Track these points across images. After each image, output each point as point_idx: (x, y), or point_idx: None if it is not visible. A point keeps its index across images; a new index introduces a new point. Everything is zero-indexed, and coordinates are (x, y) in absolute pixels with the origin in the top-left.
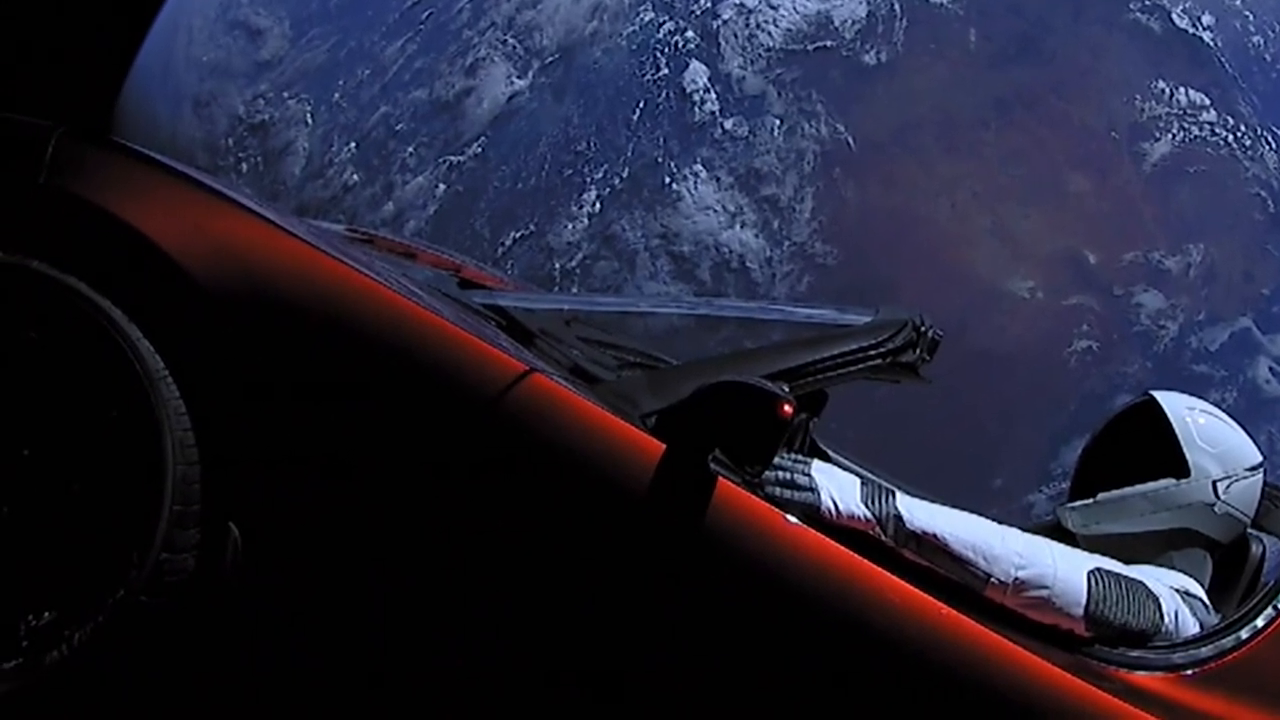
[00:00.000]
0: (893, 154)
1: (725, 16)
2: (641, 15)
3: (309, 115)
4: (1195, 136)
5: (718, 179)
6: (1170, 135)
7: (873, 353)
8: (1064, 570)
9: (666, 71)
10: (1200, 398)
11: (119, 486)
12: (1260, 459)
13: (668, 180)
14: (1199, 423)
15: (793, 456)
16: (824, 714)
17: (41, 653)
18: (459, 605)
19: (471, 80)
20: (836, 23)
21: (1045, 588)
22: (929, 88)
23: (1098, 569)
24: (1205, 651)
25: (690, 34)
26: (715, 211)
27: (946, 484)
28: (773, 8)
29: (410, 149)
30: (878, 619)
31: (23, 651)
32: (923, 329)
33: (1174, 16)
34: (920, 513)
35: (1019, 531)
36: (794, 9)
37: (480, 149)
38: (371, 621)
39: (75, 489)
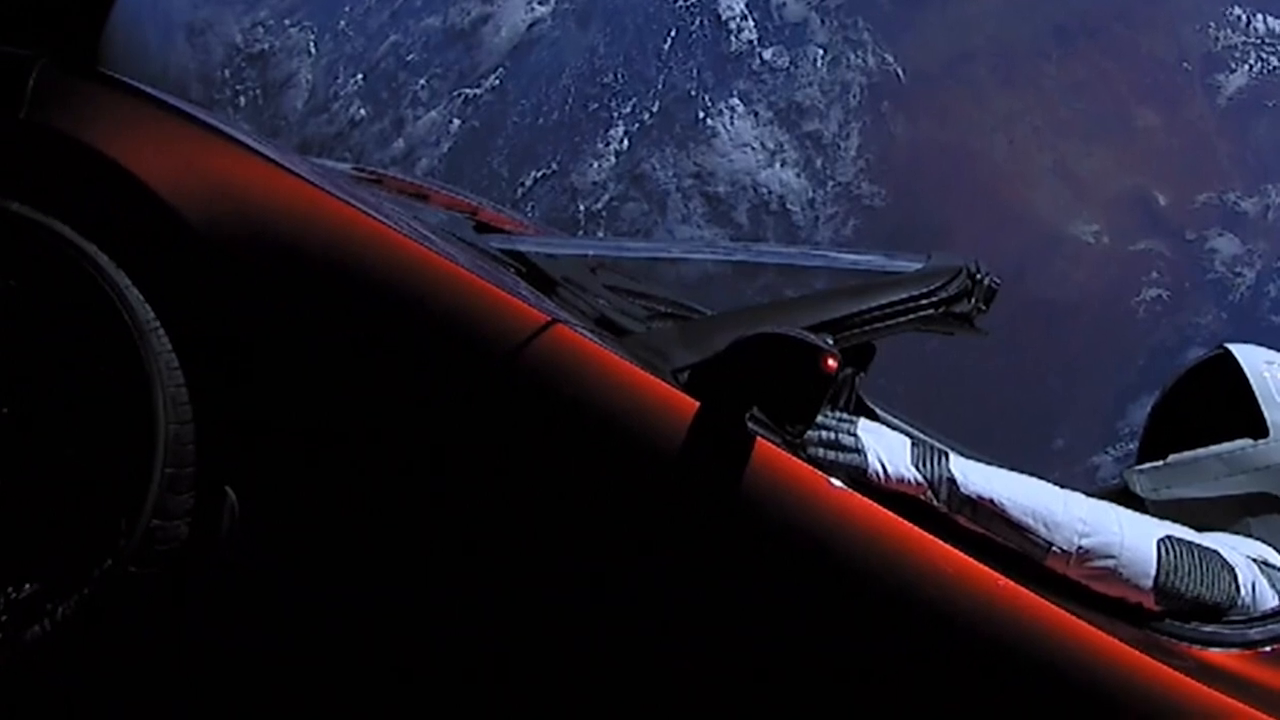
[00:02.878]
0: (945, 86)
1: None
2: None
3: (312, 44)
4: (1275, 67)
5: (756, 114)
6: (1247, 66)
7: (924, 302)
8: (1132, 539)
9: None
10: None
11: (106, 447)
12: None
13: (701, 115)
14: (1279, 378)
15: (837, 415)
16: (872, 694)
17: (22, 627)
18: (475, 575)
19: (489, 6)
20: None
21: (1111, 557)
22: (984, 14)
23: (1168, 537)
24: None
25: None
26: (753, 149)
27: (1004, 445)
28: None
29: (422, 81)
30: (929, 591)
31: (1, 626)
32: (978, 276)
33: None
34: (976, 476)
35: (1083, 496)
36: None
37: (498, 81)
38: (380, 593)
39: (59, 450)
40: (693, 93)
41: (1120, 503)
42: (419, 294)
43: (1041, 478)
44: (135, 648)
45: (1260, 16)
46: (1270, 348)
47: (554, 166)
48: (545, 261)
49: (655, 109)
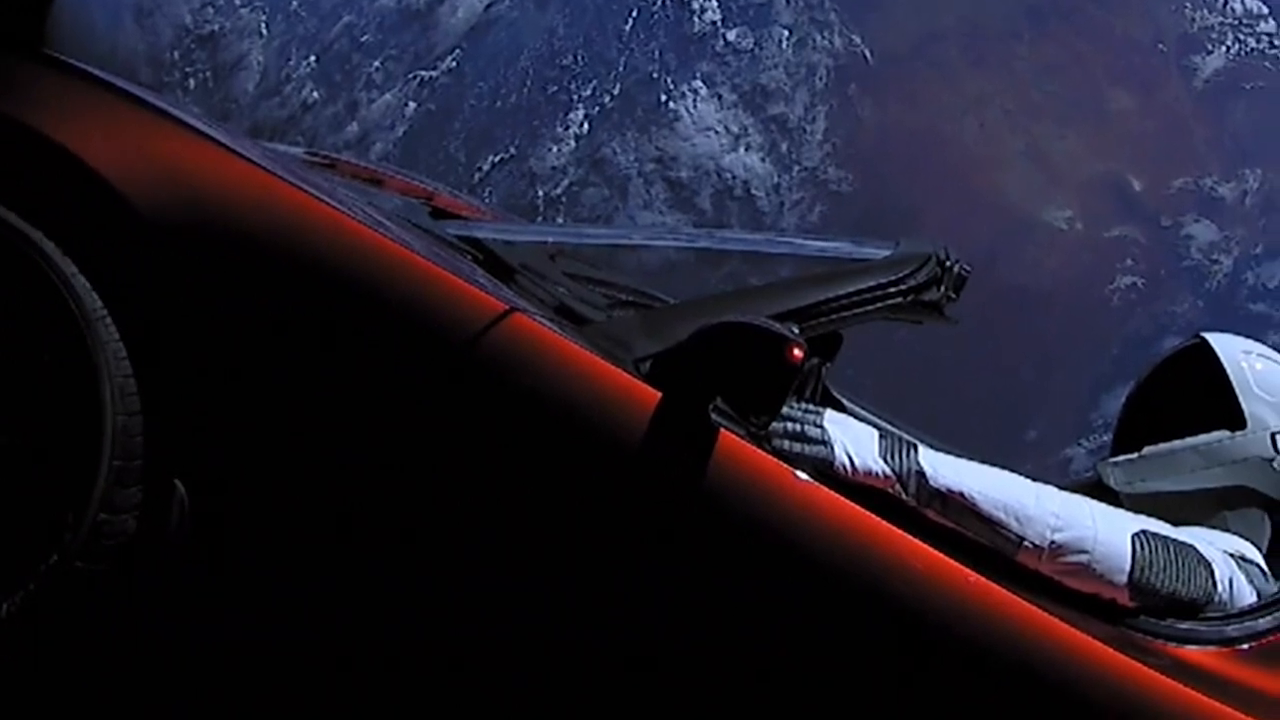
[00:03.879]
0: (914, 68)
1: None
2: None
3: (264, 25)
4: (1252, 49)
5: (719, 96)
6: (1224, 48)
7: (892, 290)
8: (1105, 533)
9: None
10: (1258, 340)
11: (52, 439)
12: None
13: (664, 98)
14: (1256, 368)
15: (803, 406)
16: (839, 692)
17: None
18: (432, 569)
19: None
20: None
21: (1085, 552)
22: None
23: (1143, 531)
24: (1263, 623)
25: None
26: (717, 133)
27: (974, 436)
28: None
29: (377, 63)
30: (897, 587)
31: None
32: (948, 263)
33: None
34: (945, 469)
35: (1055, 490)
36: None
37: (455, 63)
38: (333, 588)
39: (1, 442)
40: (655, 75)
41: (1094, 496)
42: (373, 282)
43: (1013, 470)
44: (82, 644)
45: None
46: (1248, 337)
47: (512, 151)
48: (503, 249)
49: (616, 92)
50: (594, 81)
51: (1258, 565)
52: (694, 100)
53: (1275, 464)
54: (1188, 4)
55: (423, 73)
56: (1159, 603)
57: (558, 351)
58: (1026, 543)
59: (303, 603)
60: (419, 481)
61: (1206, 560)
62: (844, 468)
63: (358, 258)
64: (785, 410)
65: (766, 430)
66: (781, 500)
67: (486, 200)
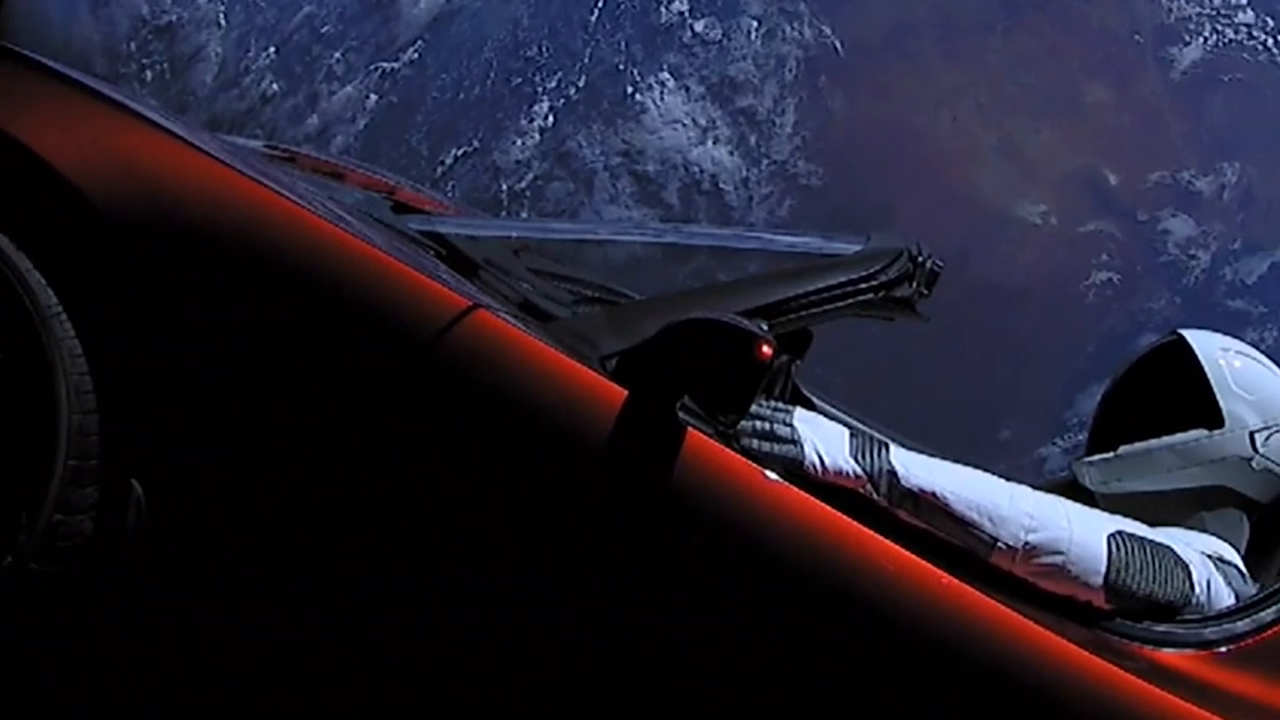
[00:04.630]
0: (886, 60)
1: None
2: None
3: (222, 16)
4: (1230, 40)
5: (687, 89)
6: (1202, 38)
7: (863, 286)
8: (1081, 534)
9: None
10: (1236, 337)
11: (5, 438)
12: None
13: (630, 90)
14: (1234, 366)
15: (772, 404)
16: (809, 695)
17: None
18: (392, 571)
19: None
20: None
21: (1060, 553)
22: None
23: (1119, 532)
24: (1241, 626)
25: None
26: (684, 126)
27: (947, 436)
28: None
29: (337, 54)
30: (869, 589)
31: None
32: (920, 259)
33: None
34: (917, 468)
35: (1029, 490)
36: None
37: (417, 54)
38: (293, 588)
39: None
40: (621, 67)
41: (1069, 496)
42: (334, 277)
43: (987, 470)
44: (36, 646)
45: None
46: (1226, 333)
47: (475, 144)
48: (466, 244)
49: (581, 84)
50: (559, 73)
51: (1236, 567)
52: (661, 92)
53: (1254, 463)
54: None
55: (384, 64)
56: (1135, 605)
57: (522, 349)
58: (1000, 544)
59: (263, 602)
60: (381, 480)
61: (1184, 562)
62: (814, 467)
63: (318, 253)
64: (754, 409)
65: (735, 429)
66: (750, 500)
67: (449, 194)
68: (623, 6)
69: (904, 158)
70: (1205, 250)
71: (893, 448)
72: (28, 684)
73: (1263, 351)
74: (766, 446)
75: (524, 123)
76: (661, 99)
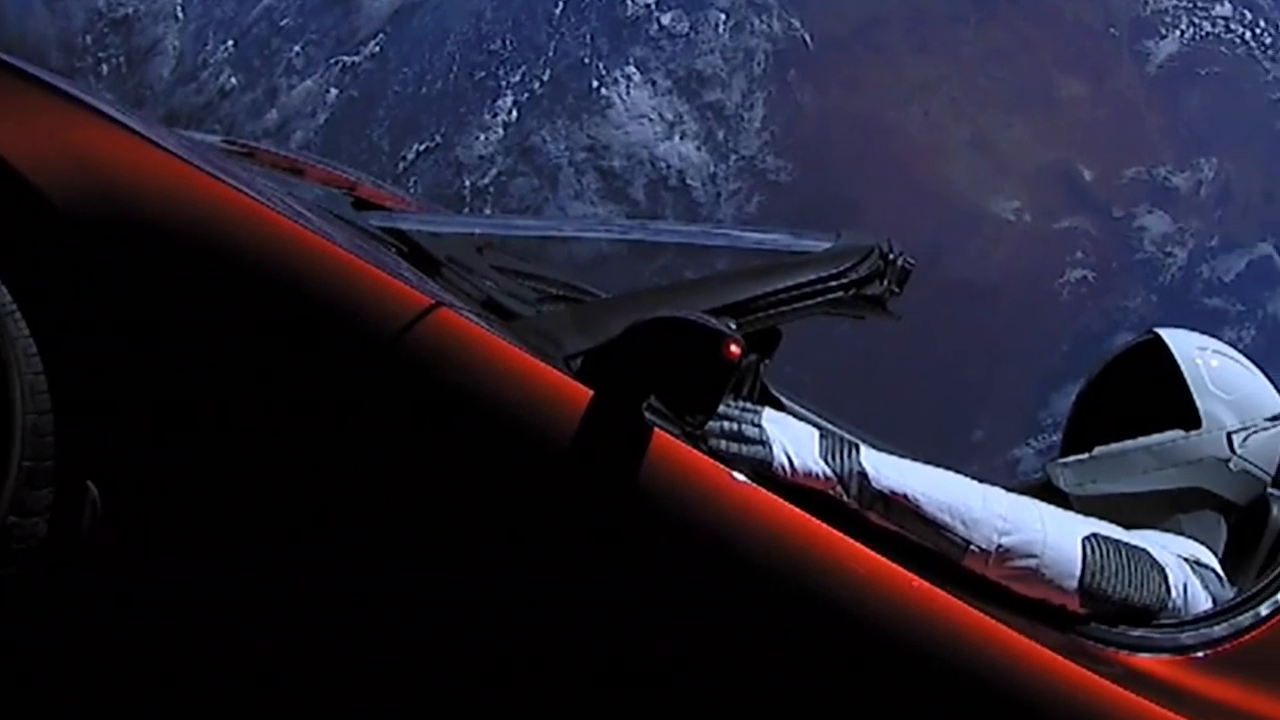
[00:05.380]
0: (856, 53)
1: None
2: None
3: (180, 9)
4: (1207, 33)
5: (654, 83)
6: (1178, 31)
7: (833, 284)
8: (1055, 536)
9: None
10: (1213, 336)
11: None
12: None
13: (595, 84)
14: (1211, 365)
15: (741, 405)
16: (776, 699)
17: None
18: (356, 572)
19: None
20: None
21: (1033, 556)
22: None
23: (1094, 535)
24: (1218, 630)
25: None
26: (650, 120)
27: (919, 436)
28: None
29: (297, 48)
30: (839, 592)
31: None
32: (891, 256)
33: None
34: (888, 470)
35: (1003, 492)
36: None
37: (378, 48)
38: (253, 593)
39: None
40: (586, 60)
41: (1043, 498)
42: (293, 275)
43: (959, 472)
44: None
45: None
46: (1203, 332)
47: (438, 139)
48: (429, 241)
49: (546, 78)
50: (523, 67)
51: (1213, 570)
52: (627, 87)
53: (1231, 465)
54: None
55: (345, 58)
56: (1111, 609)
57: (485, 348)
58: (973, 546)
59: (223, 605)
60: (342, 481)
61: (1160, 565)
62: (783, 468)
63: (277, 251)
64: (722, 409)
65: (702, 430)
66: (718, 502)
67: (411, 190)
68: None
69: (875, 153)
70: (1182, 247)
71: (863, 449)
72: None
73: (1241, 351)
74: (734, 447)
75: (487, 117)
76: (627, 93)
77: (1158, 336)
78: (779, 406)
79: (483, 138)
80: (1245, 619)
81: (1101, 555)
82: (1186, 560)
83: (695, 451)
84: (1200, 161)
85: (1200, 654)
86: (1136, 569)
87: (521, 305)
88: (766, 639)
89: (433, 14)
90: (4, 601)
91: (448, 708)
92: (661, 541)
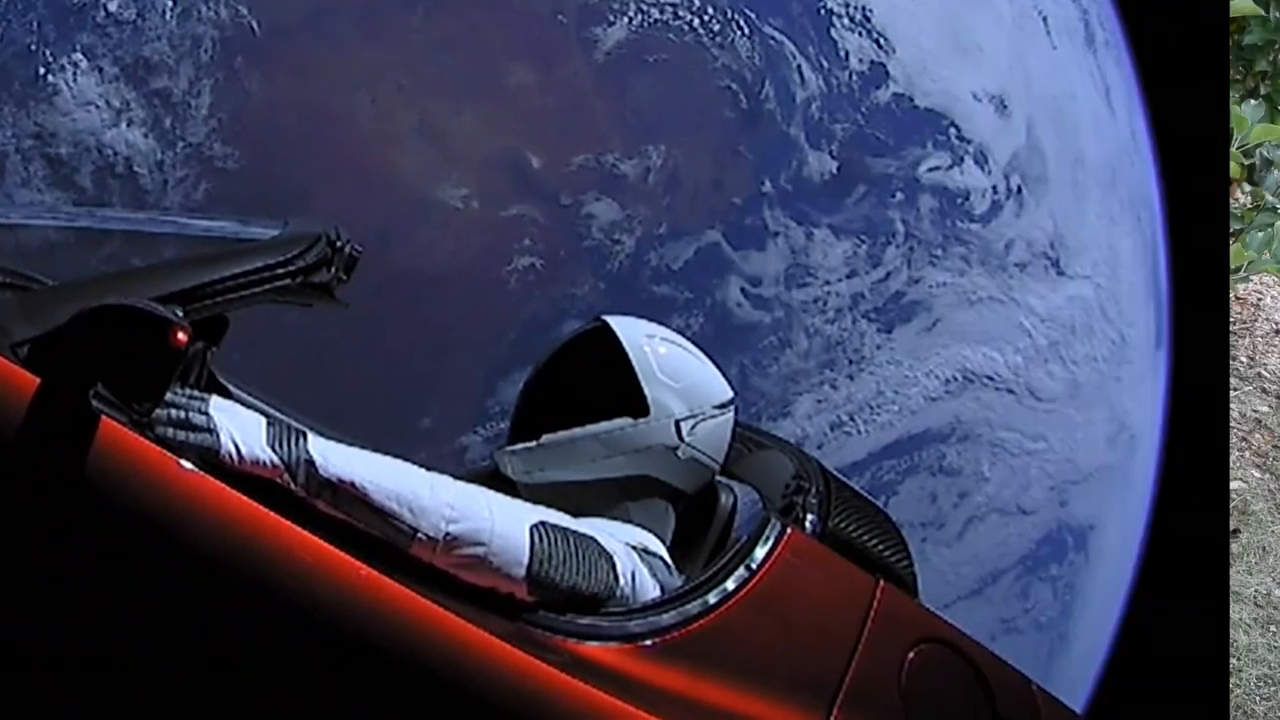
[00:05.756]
0: (304, 41)
1: None
2: None
3: None
4: (655, 20)
5: (100, 70)
6: (626, 19)
7: (280, 271)
8: (502, 524)
9: None
10: (662, 324)
11: None
12: (730, 395)
13: (42, 71)
14: (659, 353)
15: (188, 392)
16: (222, 691)
17: None
18: None
19: None
20: None
21: (481, 545)
22: None
23: (542, 523)
24: (666, 619)
25: None
26: (98, 107)
27: (367, 424)
28: None
29: None
30: (285, 581)
31: None
32: (338, 244)
33: None
34: (336, 458)
35: (451, 479)
36: None
37: None
38: None
39: None
40: (33, 47)
41: (493, 486)
42: None
43: (408, 459)
44: None
45: None
46: (651, 320)
47: None
48: None
49: None
50: None
51: (661, 558)
52: (74, 74)
53: (680, 452)
54: None
55: None
56: (559, 597)
57: None
58: (420, 534)
59: None
60: None
61: (608, 553)
62: (230, 456)
63: None
64: (169, 396)
65: (149, 417)
66: (165, 490)
67: None
68: None
69: (323, 141)
70: (630, 235)
71: (311, 436)
72: None
73: (689, 338)
74: (182, 435)
75: None
76: (74, 80)
77: (605, 324)
78: (226, 394)
79: None
80: (693, 607)
81: (549, 543)
82: (635, 548)
83: (142, 439)
84: (649, 149)
85: (648, 642)
86: (584, 557)
87: None
88: (213, 628)
89: None
90: None
91: None
92: (108, 528)
